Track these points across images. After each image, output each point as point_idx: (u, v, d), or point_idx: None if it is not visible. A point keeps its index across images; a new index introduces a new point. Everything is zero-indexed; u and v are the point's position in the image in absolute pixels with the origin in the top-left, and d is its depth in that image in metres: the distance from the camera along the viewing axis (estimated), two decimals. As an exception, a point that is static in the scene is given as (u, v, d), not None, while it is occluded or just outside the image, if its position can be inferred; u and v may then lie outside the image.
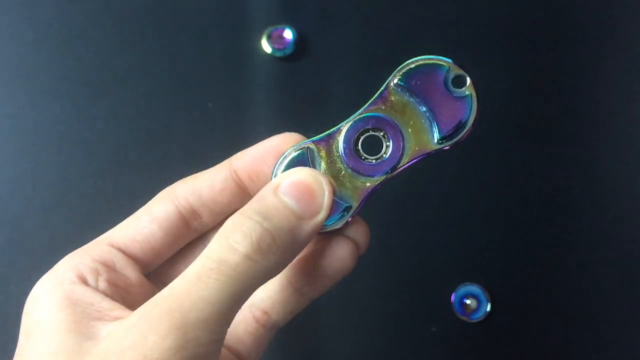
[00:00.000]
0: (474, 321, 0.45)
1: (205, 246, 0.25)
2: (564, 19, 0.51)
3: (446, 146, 0.26)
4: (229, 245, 0.22)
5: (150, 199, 0.46)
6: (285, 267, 0.24)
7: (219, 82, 0.48)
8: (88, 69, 0.48)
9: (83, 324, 0.22)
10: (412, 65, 0.25)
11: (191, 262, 0.25)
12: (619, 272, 0.46)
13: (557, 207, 0.47)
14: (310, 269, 0.26)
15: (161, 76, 0.48)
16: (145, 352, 0.20)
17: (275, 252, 0.23)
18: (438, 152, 0.25)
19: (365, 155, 0.25)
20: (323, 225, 0.24)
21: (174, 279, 0.24)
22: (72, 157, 0.47)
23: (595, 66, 0.50)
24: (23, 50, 0.48)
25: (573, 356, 0.40)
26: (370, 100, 0.26)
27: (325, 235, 0.26)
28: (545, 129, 0.49)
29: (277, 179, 0.25)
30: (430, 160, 0.48)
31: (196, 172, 0.46)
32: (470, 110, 0.25)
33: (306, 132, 0.47)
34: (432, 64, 0.25)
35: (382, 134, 0.25)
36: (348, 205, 0.25)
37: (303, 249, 0.25)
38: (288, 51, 0.48)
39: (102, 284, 0.24)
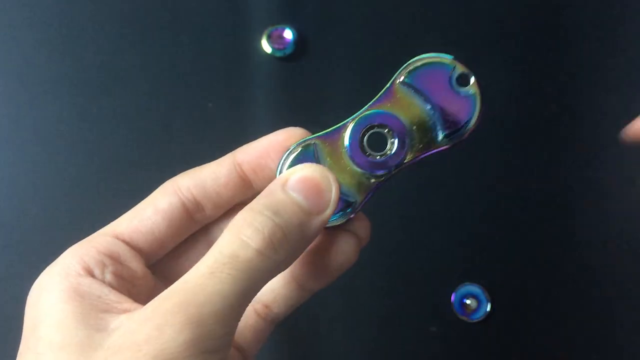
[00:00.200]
0: (474, 321, 0.45)
1: (207, 238, 0.26)
2: (564, 19, 0.51)
3: (450, 144, 0.26)
4: (241, 241, 0.22)
5: (150, 199, 0.46)
6: (294, 261, 0.24)
7: (219, 82, 0.48)
8: (88, 69, 0.48)
9: (91, 316, 0.22)
10: (418, 64, 0.26)
11: (193, 254, 0.25)
12: (619, 272, 0.46)
13: (557, 207, 0.47)
14: (315, 263, 0.26)
15: (161, 76, 0.48)
16: (162, 345, 0.20)
17: (285, 247, 0.23)
18: (442, 150, 0.26)
19: (370, 152, 0.25)
20: (330, 220, 0.25)
21: (175, 271, 0.25)
22: (72, 157, 0.47)
23: (595, 66, 0.50)
24: (23, 50, 0.48)
25: (573, 356, 0.40)
26: (376, 97, 0.26)
27: (329, 230, 0.26)
28: (545, 129, 0.49)
29: (284, 175, 0.25)
30: (430, 159, 0.48)
31: (196, 172, 0.46)
32: (474, 109, 0.25)
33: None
34: (438, 62, 0.26)
35: (387, 130, 0.25)
36: (352, 200, 0.25)
37: (310, 243, 0.25)
38: (288, 51, 0.48)
39: (109, 276, 0.24)
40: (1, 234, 0.45)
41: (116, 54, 0.48)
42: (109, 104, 0.47)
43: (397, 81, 0.26)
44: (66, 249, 0.45)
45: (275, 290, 0.27)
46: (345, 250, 0.26)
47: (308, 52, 0.49)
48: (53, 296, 0.23)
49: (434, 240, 0.44)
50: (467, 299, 0.45)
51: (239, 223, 0.23)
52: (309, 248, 0.26)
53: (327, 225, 0.25)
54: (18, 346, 0.44)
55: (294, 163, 0.25)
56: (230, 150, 0.48)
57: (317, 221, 0.24)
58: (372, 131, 0.26)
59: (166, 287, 0.23)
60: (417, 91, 0.25)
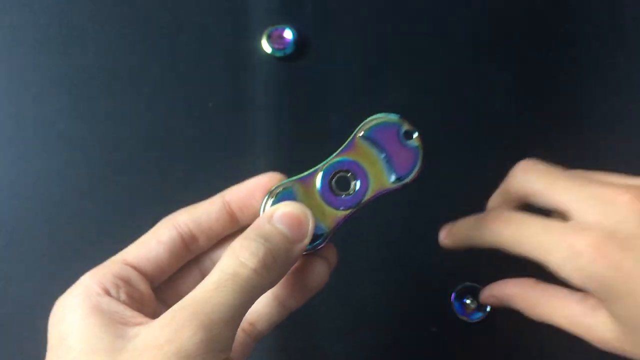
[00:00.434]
0: (474, 321, 0.45)
1: (199, 266, 0.32)
2: (564, 19, 0.51)
3: (400, 185, 0.31)
4: (240, 262, 0.28)
5: (150, 198, 0.46)
6: (279, 280, 0.30)
7: (219, 82, 0.48)
8: (88, 69, 0.48)
9: (112, 327, 0.27)
10: (374, 122, 0.32)
11: (188, 279, 0.32)
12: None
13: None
14: (294, 284, 0.32)
15: (161, 76, 0.48)
16: (181, 344, 0.25)
17: (275, 267, 0.29)
18: (393, 190, 0.31)
19: (338, 192, 0.31)
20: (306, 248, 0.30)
21: (171, 293, 0.31)
22: (72, 157, 0.47)
23: (595, 66, 0.50)
24: (23, 50, 0.48)
25: (573, 356, 0.40)
26: (340, 148, 0.31)
27: (306, 257, 0.31)
28: (545, 128, 0.49)
29: (271, 210, 0.30)
30: (430, 159, 0.48)
31: (195, 172, 0.47)
32: (418, 158, 0.31)
33: (305, 133, 0.47)
34: (389, 120, 0.31)
35: (350, 174, 0.31)
36: (324, 231, 0.31)
37: (292, 266, 0.30)
38: (288, 51, 0.48)
39: (123, 296, 0.29)
40: (1, 234, 0.45)
41: (116, 54, 0.48)
42: (109, 104, 0.47)
43: (358, 135, 0.31)
44: (66, 248, 0.45)
45: (259, 310, 0.32)
46: (319, 272, 0.32)
47: (308, 52, 0.49)
48: (78, 313, 0.27)
49: (435, 240, 0.44)
50: (467, 299, 0.45)
51: (237, 248, 0.28)
52: (289, 272, 0.31)
53: (305, 252, 0.30)
54: (18, 345, 0.45)
55: (276, 201, 0.30)
56: (230, 151, 0.48)
57: (298, 248, 0.30)
58: (338, 175, 0.31)
59: (165, 308, 0.27)
60: (374, 143, 0.31)
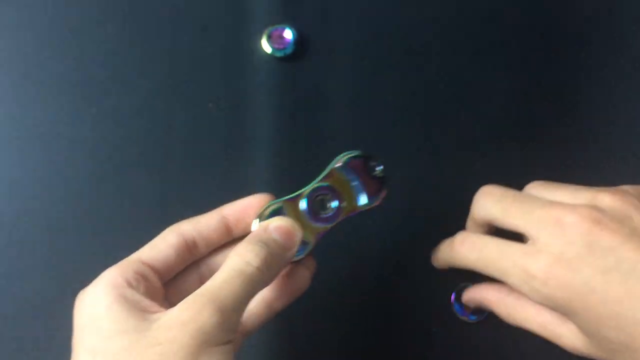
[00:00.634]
0: (474, 321, 0.45)
1: (197, 270, 0.37)
2: (564, 18, 0.51)
3: (368, 207, 0.38)
4: (245, 262, 0.33)
5: (149, 198, 0.46)
6: (273, 280, 0.35)
7: (219, 82, 0.48)
8: (88, 69, 0.48)
9: (136, 312, 0.31)
10: (348, 157, 0.38)
11: (187, 280, 0.37)
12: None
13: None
14: (281, 288, 0.37)
15: (161, 76, 0.48)
16: (202, 323, 0.30)
17: (272, 268, 0.34)
18: (362, 211, 0.38)
19: (318, 211, 0.37)
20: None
21: (174, 291, 0.36)
22: (72, 157, 0.47)
23: (595, 66, 0.50)
24: (23, 51, 0.48)
25: (572, 356, 0.40)
26: (320, 175, 0.38)
27: (292, 265, 0.37)
28: (545, 128, 0.49)
29: (266, 223, 0.36)
30: (430, 159, 0.48)
31: (195, 172, 0.47)
32: (382, 186, 0.38)
33: (305, 133, 0.47)
34: (360, 156, 0.38)
35: (328, 197, 0.38)
36: (307, 244, 0.37)
37: (283, 270, 0.36)
38: (288, 51, 0.48)
39: (142, 289, 0.33)
40: (1, 234, 0.45)
41: (116, 54, 0.48)
42: (109, 104, 0.47)
43: (335, 166, 0.38)
44: (66, 248, 0.45)
45: (250, 310, 0.37)
46: (303, 277, 0.38)
47: (308, 52, 0.49)
48: (106, 300, 0.32)
49: (435, 240, 0.44)
50: (467, 299, 0.45)
51: (242, 250, 0.34)
52: (277, 277, 0.36)
53: (292, 261, 0.36)
54: (17, 345, 0.45)
55: (269, 217, 0.36)
56: (230, 151, 0.48)
57: (289, 254, 0.35)
58: (319, 197, 0.37)
59: (168, 304, 0.32)
60: (348, 173, 0.38)
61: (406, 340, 0.45)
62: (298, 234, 0.36)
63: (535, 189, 0.39)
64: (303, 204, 0.37)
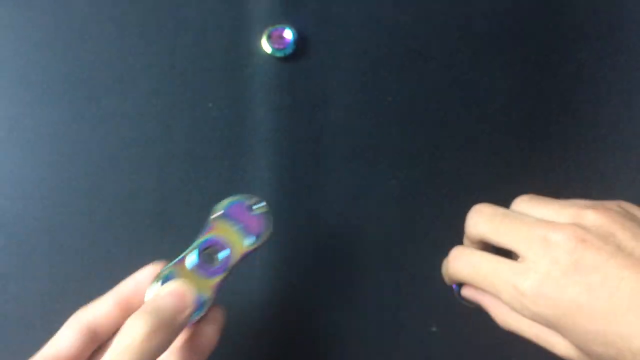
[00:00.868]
0: (473, 306, 0.45)
1: (103, 352, 0.36)
2: (564, 18, 0.51)
3: (256, 246, 0.38)
4: (134, 331, 0.33)
5: (150, 198, 0.46)
6: (171, 344, 0.34)
7: (219, 82, 0.48)
8: (88, 69, 0.48)
9: None
10: (224, 204, 0.38)
11: None
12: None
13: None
14: (187, 350, 0.37)
15: (161, 76, 0.48)
16: None
17: (163, 335, 0.34)
18: (253, 250, 0.38)
19: (209, 264, 0.37)
20: (192, 316, 0.36)
21: None
22: (72, 158, 0.47)
23: (595, 66, 0.50)
24: (23, 51, 0.48)
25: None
26: (202, 229, 0.38)
27: (195, 324, 0.37)
28: (545, 129, 0.49)
29: (158, 290, 0.36)
30: (430, 160, 0.48)
31: (195, 172, 0.47)
32: (265, 223, 0.38)
33: (305, 132, 0.47)
34: (235, 200, 0.39)
35: (216, 247, 0.38)
36: (205, 299, 0.37)
37: (181, 331, 0.35)
38: (288, 51, 0.48)
39: None
40: (1, 234, 0.45)
41: (116, 54, 0.48)
42: (109, 104, 0.47)
43: (212, 217, 0.38)
44: (65, 249, 0.45)
45: None
46: (208, 335, 0.37)
47: (308, 52, 0.49)
48: None
49: (435, 240, 0.44)
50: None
51: (128, 324, 0.34)
52: (184, 339, 0.37)
53: (193, 320, 0.36)
54: (17, 345, 0.45)
55: (162, 283, 0.37)
56: (230, 151, 0.48)
57: (183, 316, 0.35)
58: (206, 251, 0.38)
59: None
60: (228, 218, 0.38)
61: (406, 339, 0.45)
62: (189, 294, 0.36)
63: (523, 204, 0.39)
64: (193, 261, 0.37)
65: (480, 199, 0.41)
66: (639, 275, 0.33)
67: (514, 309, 0.36)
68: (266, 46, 0.48)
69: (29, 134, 0.47)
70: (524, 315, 0.36)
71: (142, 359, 0.33)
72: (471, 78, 0.49)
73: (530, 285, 0.35)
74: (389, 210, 0.47)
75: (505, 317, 0.40)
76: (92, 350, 0.37)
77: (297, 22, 0.49)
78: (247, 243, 0.38)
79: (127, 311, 0.37)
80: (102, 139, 0.47)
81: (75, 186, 0.46)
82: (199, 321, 0.37)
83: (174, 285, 0.36)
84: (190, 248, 0.38)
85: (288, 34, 0.48)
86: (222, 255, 0.38)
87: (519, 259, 0.36)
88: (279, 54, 0.48)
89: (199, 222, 0.38)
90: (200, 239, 0.38)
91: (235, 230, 0.38)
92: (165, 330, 0.34)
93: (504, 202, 0.40)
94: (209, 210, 0.38)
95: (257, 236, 0.38)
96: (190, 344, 0.37)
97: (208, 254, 0.38)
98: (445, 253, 0.42)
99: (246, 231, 0.38)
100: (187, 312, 0.36)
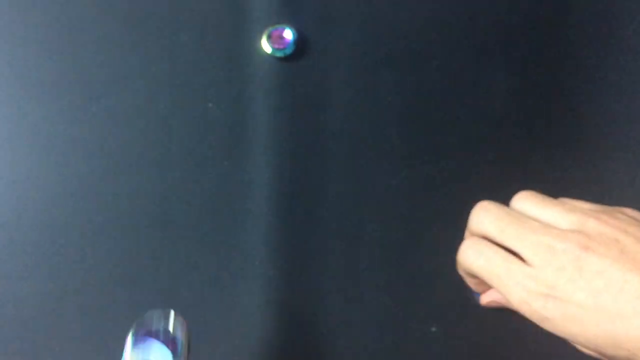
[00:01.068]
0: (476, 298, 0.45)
1: None
2: (564, 18, 0.51)
3: None
4: None
5: (150, 198, 0.46)
6: None
7: (219, 82, 0.48)
8: (88, 69, 0.48)
9: None
10: (133, 331, 0.34)
11: None
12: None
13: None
14: None
15: (161, 76, 0.48)
16: None
17: None
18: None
19: None
20: None
21: None
22: (72, 157, 0.47)
23: (595, 66, 0.50)
24: (23, 50, 0.48)
25: (573, 352, 0.40)
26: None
27: None
28: (545, 129, 0.49)
29: None
30: (430, 160, 0.48)
31: (195, 172, 0.47)
32: (180, 346, 0.34)
33: (306, 133, 0.47)
34: (148, 328, 0.34)
35: None
36: None
37: None
38: (288, 51, 0.48)
39: None
40: (1, 234, 0.45)
41: (116, 54, 0.48)
42: (109, 104, 0.47)
43: (129, 350, 0.33)
44: (65, 249, 0.45)
45: None
46: None
47: (308, 52, 0.49)
48: None
49: (435, 240, 0.44)
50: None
51: None
52: None
53: None
54: (17, 345, 0.45)
55: None
56: (230, 151, 0.48)
57: None
58: None
59: None
60: (140, 345, 0.33)
61: (406, 339, 0.45)
62: None
63: (525, 202, 0.40)
64: None
65: (480, 199, 0.41)
66: None
67: (522, 312, 0.37)
68: (266, 46, 0.48)
69: (29, 134, 0.47)
70: (534, 320, 0.37)
71: None
72: (471, 78, 0.49)
73: (539, 291, 0.36)
74: (389, 210, 0.47)
75: None
76: None
77: (297, 22, 0.49)
78: None
79: None
80: (102, 139, 0.47)
81: (75, 186, 0.46)
82: None
83: None
84: None
85: (288, 34, 0.48)
86: None
87: (526, 263, 0.37)
88: (279, 54, 0.48)
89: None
90: None
91: (158, 349, 0.34)
92: None
93: (504, 202, 0.40)
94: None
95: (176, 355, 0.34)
96: None
97: None
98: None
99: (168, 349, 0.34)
100: None
